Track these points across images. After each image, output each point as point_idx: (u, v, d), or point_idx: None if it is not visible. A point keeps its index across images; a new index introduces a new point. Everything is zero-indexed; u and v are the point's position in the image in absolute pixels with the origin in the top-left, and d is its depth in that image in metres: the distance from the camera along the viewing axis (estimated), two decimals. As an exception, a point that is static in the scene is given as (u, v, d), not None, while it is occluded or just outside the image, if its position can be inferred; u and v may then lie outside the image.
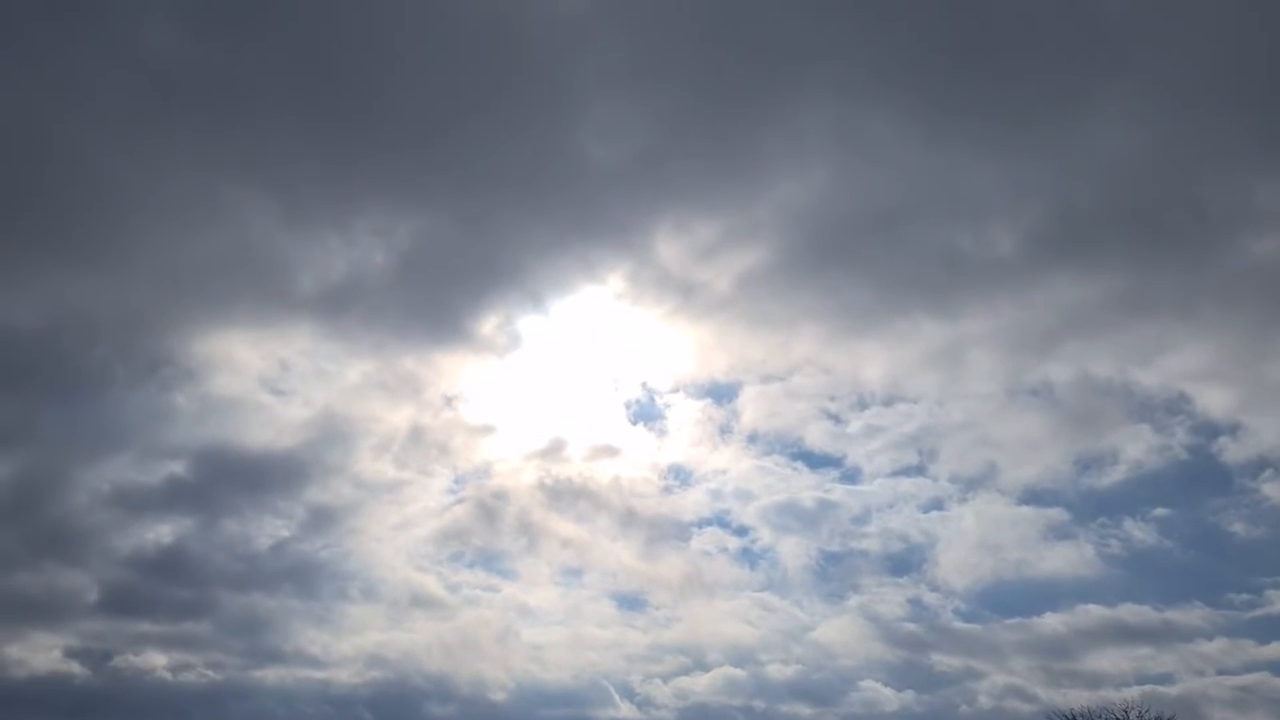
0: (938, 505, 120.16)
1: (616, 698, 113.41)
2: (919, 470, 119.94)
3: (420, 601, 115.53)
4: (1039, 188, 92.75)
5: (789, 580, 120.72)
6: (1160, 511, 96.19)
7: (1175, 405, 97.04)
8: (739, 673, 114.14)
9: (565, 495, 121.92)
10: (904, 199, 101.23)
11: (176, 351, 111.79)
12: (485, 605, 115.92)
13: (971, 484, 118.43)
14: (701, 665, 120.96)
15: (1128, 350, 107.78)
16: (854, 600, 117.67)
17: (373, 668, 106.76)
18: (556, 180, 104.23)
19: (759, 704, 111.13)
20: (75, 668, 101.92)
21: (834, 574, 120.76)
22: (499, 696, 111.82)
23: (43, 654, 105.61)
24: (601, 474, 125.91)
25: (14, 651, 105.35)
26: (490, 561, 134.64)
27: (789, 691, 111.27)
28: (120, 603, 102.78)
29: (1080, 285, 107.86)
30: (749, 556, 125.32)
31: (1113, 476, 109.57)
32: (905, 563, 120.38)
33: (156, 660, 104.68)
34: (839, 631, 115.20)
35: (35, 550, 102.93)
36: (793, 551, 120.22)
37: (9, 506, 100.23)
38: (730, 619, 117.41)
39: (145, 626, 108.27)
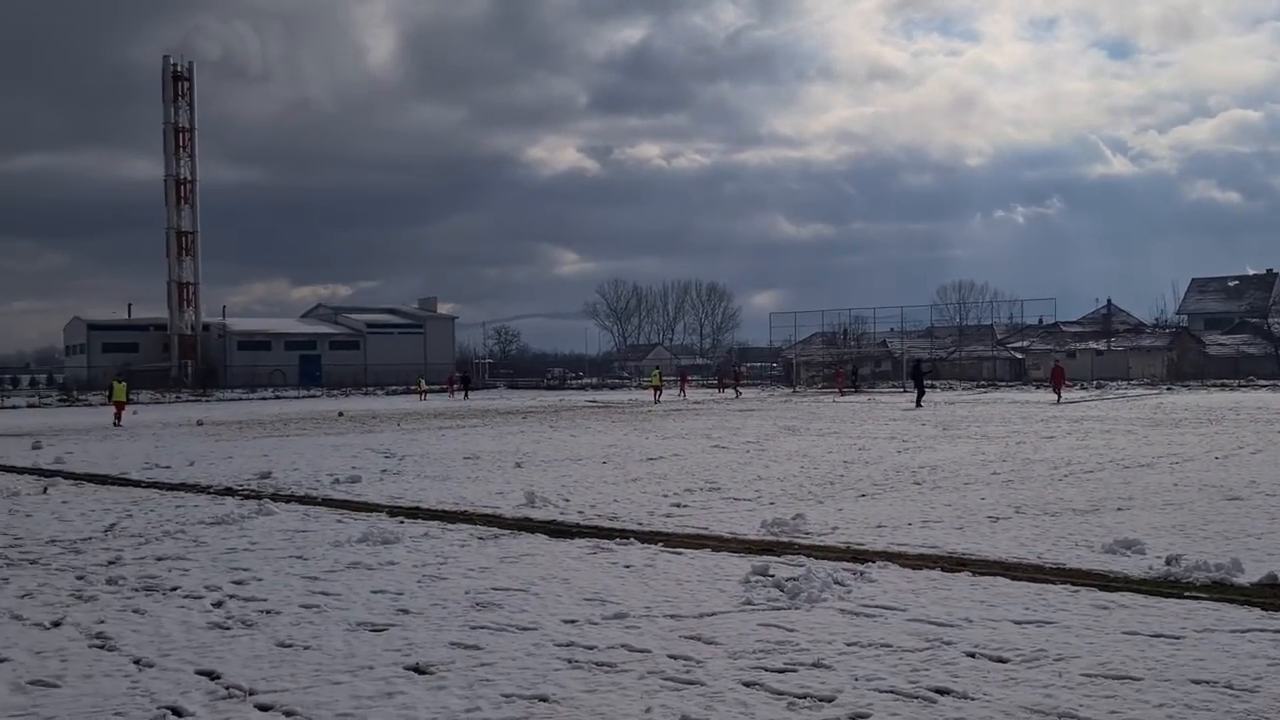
0: None
1: (1107, 153, 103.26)
2: None
3: (879, 74, 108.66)
4: None
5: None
6: None
7: None
8: (1252, 115, 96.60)
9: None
10: None
11: None
12: (948, 70, 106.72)
13: None
14: (1204, 111, 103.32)
15: None
16: None
17: (844, 143, 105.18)
18: None
19: (1277, 149, 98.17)
20: (586, 162, 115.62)
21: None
22: (975, 162, 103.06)
23: (558, 153, 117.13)
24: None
25: (536, 153, 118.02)
26: (948, 24, 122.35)
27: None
28: (607, 103, 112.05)
29: None
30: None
31: None
32: None
33: (650, 151, 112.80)
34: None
35: (525, 63, 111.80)
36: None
37: (492, 24, 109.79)
38: (1241, 55, 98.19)
39: (633, 122, 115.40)
